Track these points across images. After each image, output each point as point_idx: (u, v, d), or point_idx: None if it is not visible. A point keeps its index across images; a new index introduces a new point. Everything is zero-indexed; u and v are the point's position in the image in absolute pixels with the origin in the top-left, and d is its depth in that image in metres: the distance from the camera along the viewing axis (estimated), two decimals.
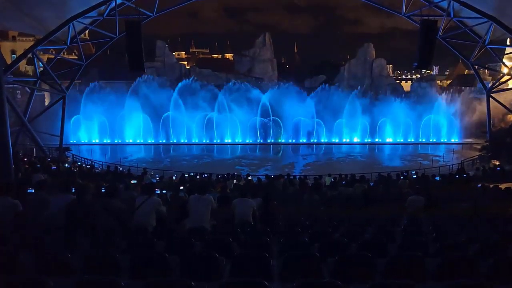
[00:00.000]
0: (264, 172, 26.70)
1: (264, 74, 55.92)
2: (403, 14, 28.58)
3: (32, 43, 35.43)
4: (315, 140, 47.95)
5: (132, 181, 16.31)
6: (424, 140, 47.39)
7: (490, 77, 51.82)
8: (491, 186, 16.59)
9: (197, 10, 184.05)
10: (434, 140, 47.09)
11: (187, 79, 49.72)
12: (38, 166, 21.92)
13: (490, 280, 4.54)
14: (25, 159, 25.18)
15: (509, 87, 34.02)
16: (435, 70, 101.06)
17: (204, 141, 47.18)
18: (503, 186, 16.47)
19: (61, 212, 6.79)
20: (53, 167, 22.07)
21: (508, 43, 32.22)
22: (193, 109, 45.51)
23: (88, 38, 45.41)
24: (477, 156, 32.38)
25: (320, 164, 37.10)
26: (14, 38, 65.12)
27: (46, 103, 42.41)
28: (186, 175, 21.88)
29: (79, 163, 29.58)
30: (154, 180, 19.13)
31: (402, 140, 47.13)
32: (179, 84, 47.55)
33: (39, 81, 30.42)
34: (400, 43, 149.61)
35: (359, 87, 49.62)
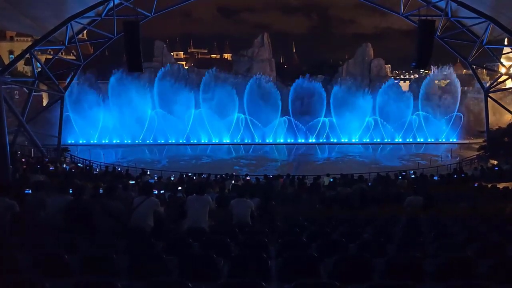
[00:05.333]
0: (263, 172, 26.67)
1: (262, 74, 55.88)
2: (401, 14, 28.62)
3: (30, 43, 35.38)
4: (314, 140, 48.03)
5: (131, 182, 16.31)
6: (422, 140, 47.51)
7: (488, 77, 51.89)
8: (489, 185, 16.64)
9: (195, 11, 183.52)
10: (432, 140, 47.23)
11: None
12: (38, 166, 21.90)
13: (489, 281, 4.53)
14: (23, 159, 25.15)
15: (507, 86, 34.10)
16: (433, 70, 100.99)
17: (203, 141, 47.18)
18: (501, 185, 16.52)
19: (58, 212, 6.77)
20: (51, 168, 22.06)
21: (506, 43, 32.29)
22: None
23: (86, 38, 45.35)
24: (475, 156, 32.42)
25: (319, 164, 37.15)
26: (12, 38, 65.04)
27: (44, 104, 42.33)
28: (184, 176, 21.87)
29: (78, 164, 29.55)
30: (152, 181, 19.12)
31: (400, 140, 47.26)
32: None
33: (37, 81, 30.34)
34: (394, 43, 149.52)
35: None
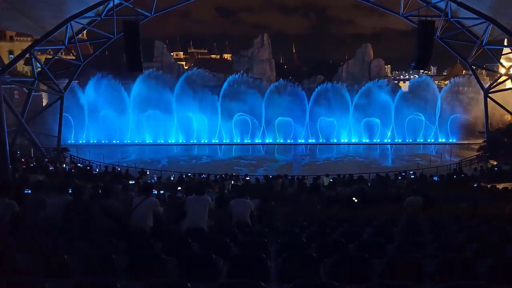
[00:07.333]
0: (263, 173, 26.69)
1: (262, 74, 55.91)
2: (401, 14, 28.62)
3: (29, 43, 35.33)
4: (314, 141, 48.04)
5: (130, 182, 16.31)
6: (422, 140, 47.53)
7: (488, 78, 51.91)
8: (489, 186, 16.65)
9: (195, 11, 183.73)
10: (432, 141, 47.26)
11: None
12: (35, 165, 21.89)
13: (489, 281, 4.53)
14: (23, 159, 25.11)
15: (507, 87, 34.08)
16: (433, 71, 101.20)
17: (203, 141, 47.18)
18: (500, 186, 16.53)
19: (57, 213, 6.76)
20: (50, 168, 22.05)
21: (505, 43, 32.28)
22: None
23: (86, 38, 45.32)
24: (475, 156, 32.42)
25: (319, 164, 37.15)
26: (11, 38, 64.90)
27: (44, 104, 42.29)
28: (184, 176, 21.86)
29: (77, 164, 29.52)
30: (152, 181, 19.11)
31: (400, 141, 47.29)
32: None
33: (36, 81, 30.33)
34: (393, 43, 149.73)
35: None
